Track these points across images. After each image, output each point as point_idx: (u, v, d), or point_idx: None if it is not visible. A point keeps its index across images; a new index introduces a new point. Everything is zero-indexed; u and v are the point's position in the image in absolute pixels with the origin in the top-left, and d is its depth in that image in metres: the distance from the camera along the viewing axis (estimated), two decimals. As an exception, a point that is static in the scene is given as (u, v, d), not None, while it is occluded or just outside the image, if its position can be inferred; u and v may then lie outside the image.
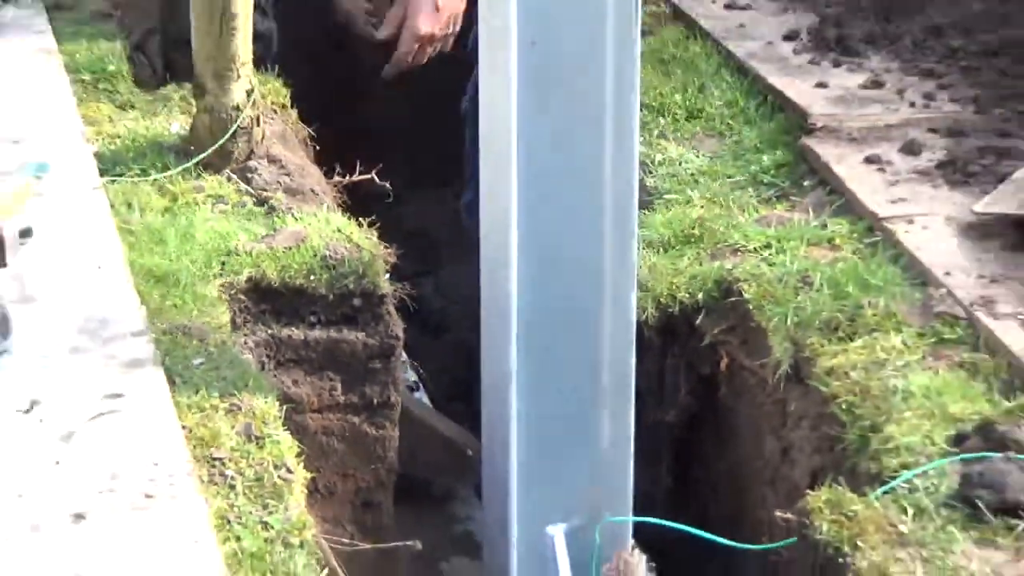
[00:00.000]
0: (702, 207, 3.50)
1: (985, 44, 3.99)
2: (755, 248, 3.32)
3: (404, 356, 3.43)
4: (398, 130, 4.34)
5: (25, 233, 3.14)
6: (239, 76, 3.52)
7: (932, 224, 3.37)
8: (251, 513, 2.53)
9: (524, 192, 2.67)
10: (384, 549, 3.18)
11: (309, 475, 2.78)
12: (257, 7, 3.95)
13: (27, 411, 2.65)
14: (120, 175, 3.42)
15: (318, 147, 4.03)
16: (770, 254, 3.30)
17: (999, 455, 2.64)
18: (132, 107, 3.75)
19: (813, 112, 3.79)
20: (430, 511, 3.46)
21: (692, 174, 3.66)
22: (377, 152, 3.87)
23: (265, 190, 3.50)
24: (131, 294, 3.03)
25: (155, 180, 3.42)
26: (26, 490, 2.37)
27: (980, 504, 2.54)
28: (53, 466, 2.46)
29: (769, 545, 2.73)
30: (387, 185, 3.69)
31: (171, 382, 2.76)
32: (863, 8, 4.05)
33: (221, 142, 3.50)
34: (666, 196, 3.54)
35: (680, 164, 3.70)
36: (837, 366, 2.95)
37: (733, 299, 3.25)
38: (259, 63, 4.11)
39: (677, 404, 3.35)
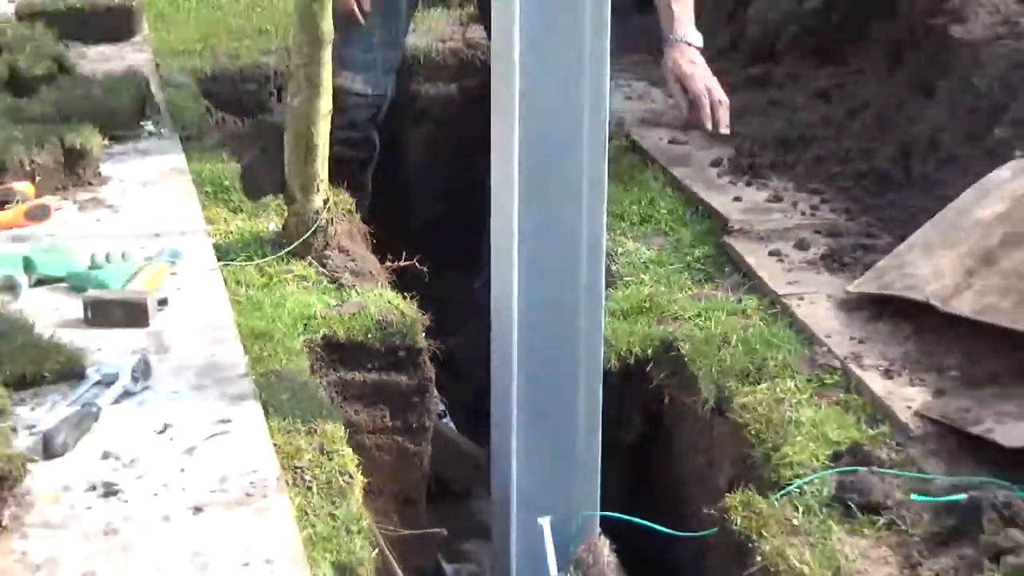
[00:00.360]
0: (651, 287, 3.53)
1: (856, 171, 4.01)
2: (689, 317, 3.37)
3: (435, 393, 3.42)
4: (433, 228, 4.34)
5: (162, 302, 3.17)
6: (318, 190, 3.54)
7: (817, 300, 3.41)
8: (322, 507, 2.58)
9: (523, 278, 2.68)
10: (420, 534, 3.24)
11: (365, 480, 2.81)
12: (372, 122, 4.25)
13: (161, 431, 2.67)
14: (232, 260, 3.45)
15: (375, 240, 4.03)
16: (700, 321, 3.34)
17: (865, 469, 2.66)
18: (241, 211, 3.77)
19: (731, 218, 3.82)
20: (454, 506, 3.51)
21: (644, 262, 3.70)
22: (417, 243, 3.90)
23: (336, 272, 3.53)
24: (238, 347, 3.04)
25: (257, 264, 3.44)
26: (160, 489, 2.42)
27: (851, 505, 2.58)
28: (179, 472, 2.50)
29: (699, 533, 2.79)
30: (424, 269, 3.70)
31: (266, 411, 2.77)
32: (768, 143, 4.07)
33: (304, 237, 3.52)
34: (625, 279, 3.58)
35: (635, 255, 3.73)
36: (748, 403, 2.98)
37: (673, 353, 3.29)
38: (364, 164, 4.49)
39: (633, 429, 3.41)
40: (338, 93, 3.89)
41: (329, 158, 3.75)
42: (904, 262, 3.33)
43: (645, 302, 3.46)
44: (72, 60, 4.63)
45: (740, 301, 3.47)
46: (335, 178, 3.97)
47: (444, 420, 3.49)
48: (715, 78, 4.08)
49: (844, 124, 4.21)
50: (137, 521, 2.38)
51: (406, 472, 3.24)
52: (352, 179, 4.47)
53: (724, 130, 4.08)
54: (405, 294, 3.51)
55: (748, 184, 4.01)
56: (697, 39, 4.10)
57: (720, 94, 4.05)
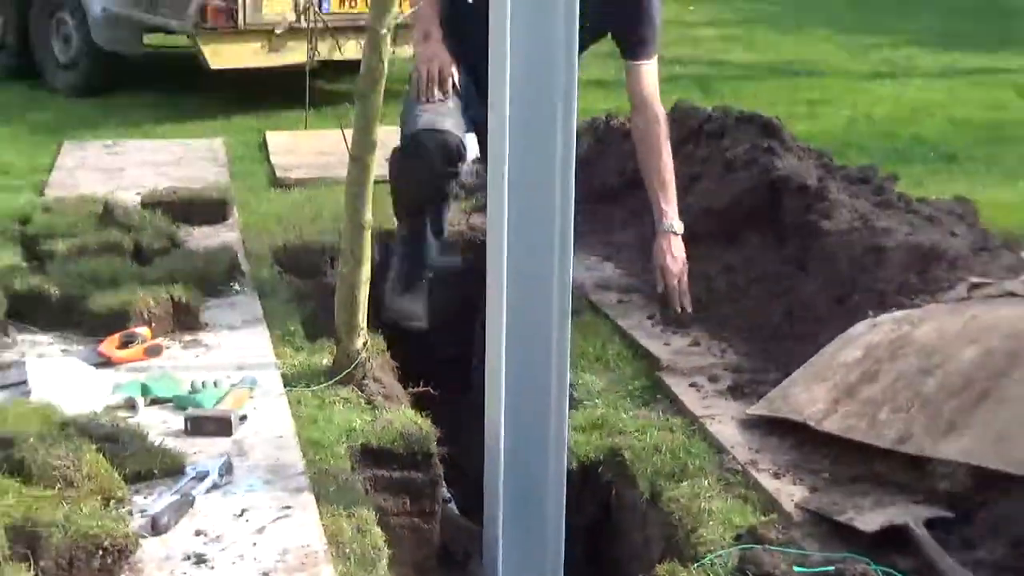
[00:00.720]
0: (602, 409, 3.52)
1: (753, 325, 4.03)
2: (631, 432, 3.34)
3: (443, 485, 3.39)
4: (443, 362, 4.29)
5: (243, 418, 3.16)
6: (359, 335, 3.54)
7: (724, 420, 3.39)
8: (358, 574, 2.54)
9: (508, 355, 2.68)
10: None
11: (390, 552, 2.75)
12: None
13: (239, 515, 2.68)
14: (294, 387, 3.44)
15: (400, 370, 4.02)
16: (638, 435, 3.30)
17: (759, 546, 2.65)
18: (302, 349, 3.78)
19: (662, 358, 3.82)
20: (457, 570, 3.42)
21: (597, 391, 3.69)
22: (432, 370, 3.88)
23: (372, 397, 3.52)
24: (297, 452, 3.03)
25: (313, 390, 3.43)
26: (237, 559, 2.46)
27: (749, 573, 2.56)
28: (252, 546, 2.54)
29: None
30: (435, 392, 3.67)
31: (318, 500, 2.77)
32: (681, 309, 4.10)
33: (348, 370, 3.51)
34: (583, 403, 3.57)
35: (591, 385, 3.72)
36: (673, 496, 2.97)
37: (619, 459, 3.25)
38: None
39: (588, 516, 3.32)
40: (412, 140, 3.93)
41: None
42: (788, 392, 3.35)
43: (598, 420, 3.43)
44: (182, 237, 4.68)
45: (668, 420, 3.44)
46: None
47: (449, 505, 3.44)
48: (687, 266, 4.04)
49: (745, 290, 4.23)
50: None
51: (421, 545, 3.20)
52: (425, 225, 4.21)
53: (684, 308, 4.06)
54: (422, 412, 3.47)
55: (674, 333, 4.02)
56: (679, 227, 4.04)
57: (685, 286, 4.02)
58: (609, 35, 4.09)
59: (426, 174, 3.96)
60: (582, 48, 3.71)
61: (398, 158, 4.06)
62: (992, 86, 8.91)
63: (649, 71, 4.06)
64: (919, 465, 2.91)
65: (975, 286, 3.60)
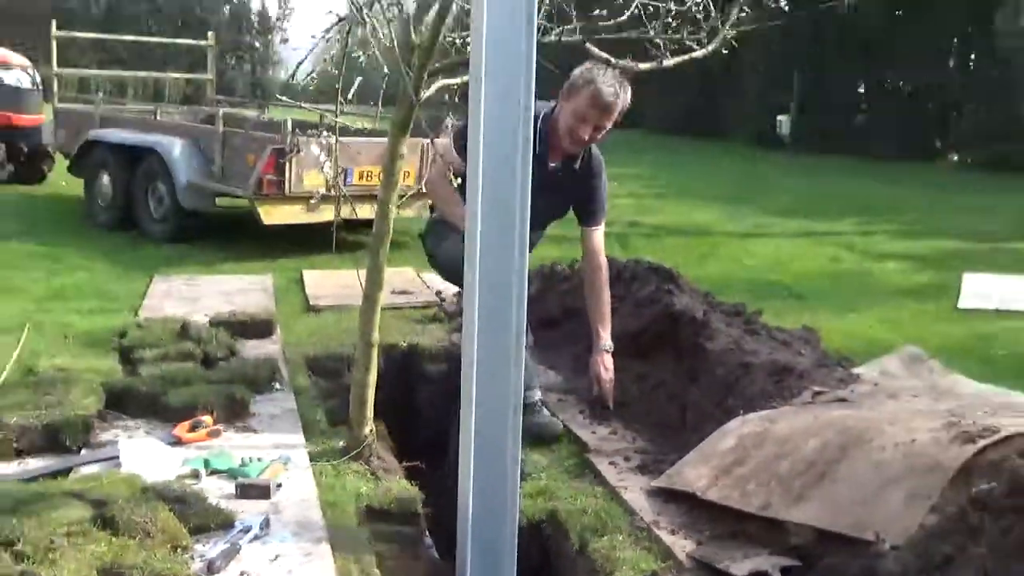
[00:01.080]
0: (545, 481, 3.48)
1: (656, 421, 4.08)
2: (566, 498, 3.29)
3: (427, 535, 3.40)
4: (429, 434, 4.25)
5: (279, 486, 3.13)
6: (367, 424, 3.52)
7: (635, 490, 3.35)
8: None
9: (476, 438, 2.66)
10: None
11: None
12: None
13: (274, 559, 2.67)
14: (317, 462, 3.42)
15: (398, 447, 3.99)
16: (572, 500, 3.25)
17: None
18: (325, 434, 3.79)
19: (590, 444, 3.79)
20: None
21: (542, 467, 3.67)
22: (421, 447, 3.87)
23: (375, 470, 3.49)
24: (319, 511, 3.01)
25: (333, 464, 3.40)
26: None
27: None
28: None
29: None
30: (423, 465, 3.66)
31: (333, 548, 2.74)
32: (606, 407, 4.06)
33: (358, 450, 3.49)
34: (531, 476, 3.55)
35: (536, 464, 3.71)
36: (596, 547, 2.93)
37: (556, 518, 3.20)
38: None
39: (532, 562, 3.19)
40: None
41: None
42: (681, 470, 3.33)
43: (543, 489, 3.39)
44: (238, 348, 4.66)
45: (593, 489, 3.40)
46: None
47: (431, 551, 3.37)
48: (614, 374, 4.09)
49: (651, 394, 4.23)
50: (257, 611, 2.36)
51: (408, 565, 3.14)
52: None
53: (610, 404, 4.08)
54: (412, 481, 3.47)
55: (599, 424, 3.99)
56: (610, 346, 4.09)
57: (612, 388, 4.09)
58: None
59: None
60: (552, 219, 4.20)
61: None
62: (829, 245, 9.06)
63: (598, 233, 4.15)
64: (776, 526, 2.90)
65: (817, 393, 3.63)
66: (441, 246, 4.14)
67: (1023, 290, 6.90)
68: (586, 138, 3.79)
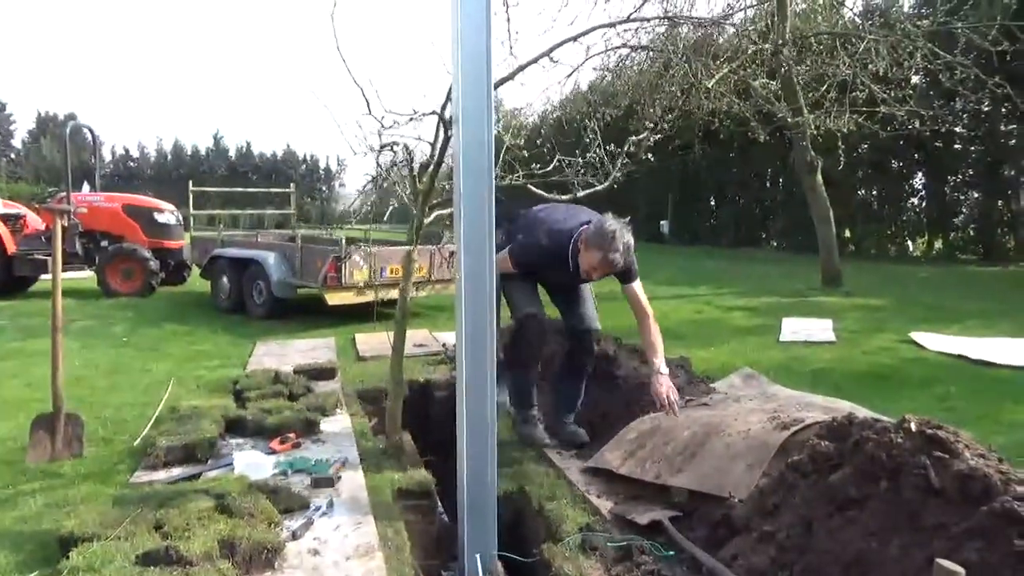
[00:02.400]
0: (518, 466, 3.39)
1: (590, 422, 3.91)
2: (531, 476, 3.21)
3: (438, 503, 3.22)
4: (440, 438, 4.12)
5: (338, 478, 3.08)
6: (398, 433, 3.49)
7: (573, 470, 3.31)
8: (394, 555, 2.44)
9: (468, 440, 2.62)
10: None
11: (411, 543, 2.63)
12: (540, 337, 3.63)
13: (335, 529, 2.62)
14: (364, 460, 3.37)
15: (419, 448, 3.88)
16: (532, 478, 3.21)
17: (590, 533, 2.58)
18: (370, 441, 3.69)
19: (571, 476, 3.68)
20: (445, 552, 3.15)
21: (517, 456, 3.55)
22: (434, 447, 3.72)
23: (403, 465, 3.41)
24: (365, 494, 2.96)
25: (375, 462, 3.35)
26: (334, 551, 2.34)
27: (586, 547, 2.49)
28: (341, 544, 2.40)
29: (530, 559, 2.60)
30: (435, 459, 3.55)
31: (375, 518, 2.69)
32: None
33: (392, 451, 3.44)
34: (507, 463, 3.42)
35: (512, 453, 3.60)
36: (549, 508, 2.91)
37: (524, 490, 3.12)
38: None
39: (509, 518, 3.08)
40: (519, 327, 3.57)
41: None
42: (603, 454, 3.29)
43: (517, 471, 3.31)
44: (312, 387, 4.59)
45: (547, 470, 3.34)
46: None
47: (442, 516, 3.29)
48: (675, 389, 3.44)
49: (583, 407, 4.14)
50: (327, 558, 2.31)
51: (427, 538, 3.04)
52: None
53: (677, 412, 3.34)
54: (428, 470, 3.36)
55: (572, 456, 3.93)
56: (665, 369, 3.45)
57: (675, 395, 3.40)
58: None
59: (531, 346, 3.62)
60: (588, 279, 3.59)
61: (512, 335, 3.64)
62: (696, 303, 9.08)
63: (635, 287, 3.55)
64: (665, 490, 2.89)
65: (688, 400, 3.64)
66: (503, 282, 3.54)
67: (821, 328, 6.96)
68: (598, 277, 3.46)
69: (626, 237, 3.32)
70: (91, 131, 12.09)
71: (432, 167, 2.98)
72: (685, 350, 5.55)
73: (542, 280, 3.70)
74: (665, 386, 3.38)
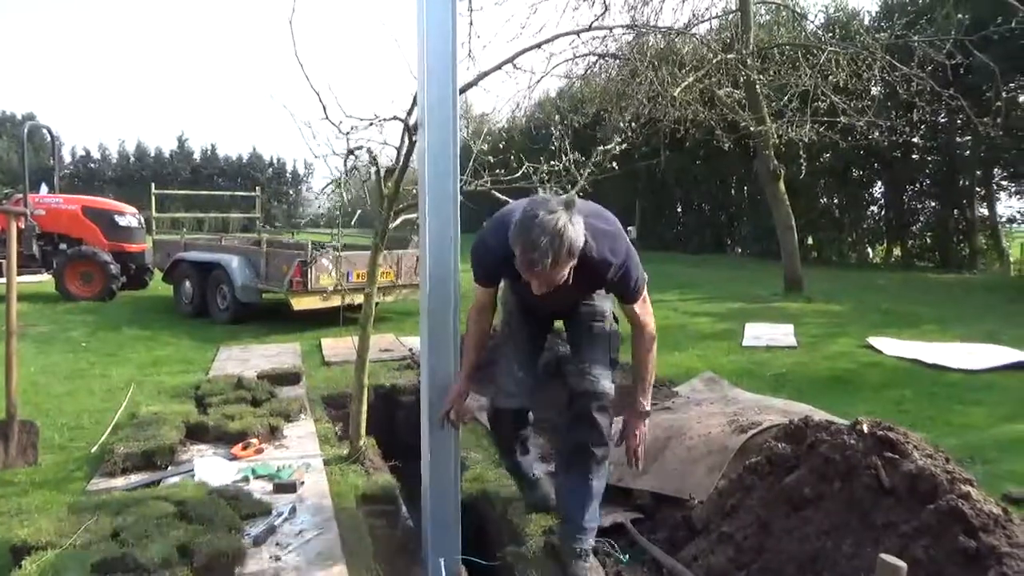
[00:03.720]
0: (478, 471, 3.37)
1: (555, 423, 3.89)
2: (491, 481, 3.18)
3: (403, 509, 3.14)
4: (405, 442, 4.11)
5: (302, 483, 3.07)
6: (362, 438, 3.47)
7: (539, 472, 3.29)
8: (358, 562, 2.42)
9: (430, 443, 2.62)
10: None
11: (374, 548, 2.61)
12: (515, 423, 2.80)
13: (298, 534, 2.55)
14: (328, 465, 3.35)
15: (384, 452, 3.87)
16: (495, 483, 3.18)
17: (554, 535, 2.54)
18: (334, 446, 3.67)
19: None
20: (409, 556, 3.17)
21: (476, 464, 3.54)
22: (399, 451, 3.70)
23: (368, 469, 3.40)
24: (329, 500, 2.95)
25: (339, 467, 3.34)
26: (296, 557, 2.29)
27: (551, 547, 2.46)
28: (303, 549, 2.36)
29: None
30: (400, 464, 3.54)
31: (338, 524, 2.66)
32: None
33: (356, 456, 3.43)
34: (472, 467, 3.43)
35: (475, 459, 3.59)
36: (513, 512, 2.88)
37: (487, 495, 3.11)
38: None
39: (472, 524, 3.01)
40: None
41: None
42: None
43: (477, 476, 3.29)
44: (276, 392, 4.55)
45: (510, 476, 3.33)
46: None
47: (407, 521, 3.24)
48: (645, 439, 2.57)
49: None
50: (289, 563, 2.30)
51: (391, 543, 2.93)
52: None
53: (639, 466, 2.58)
54: (394, 475, 3.37)
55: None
56: (647, 409, 2.56)
57: (642, 453, 2.55)
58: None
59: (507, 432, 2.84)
60: (572, 304, 2.61)
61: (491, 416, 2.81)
62: (662, 308, 9.11)
63: (636, 308, 2.46)
64: (627, 492, 2.92)
65: (652, 404, 3.67)
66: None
67: (782, 333, 7.08)
68: (545, 291, 2.14)
69: (558, 225, 2.01)
70: (50, 131, 11.82)
71: (397, 172, 2.98)
72: (650, 355, 5.60)
73: (531, 306, 2.61)
74: (640, 436, 2.54)
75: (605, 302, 2.63)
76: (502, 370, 2.64)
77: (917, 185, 16.30)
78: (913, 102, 8.93)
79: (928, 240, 16.41)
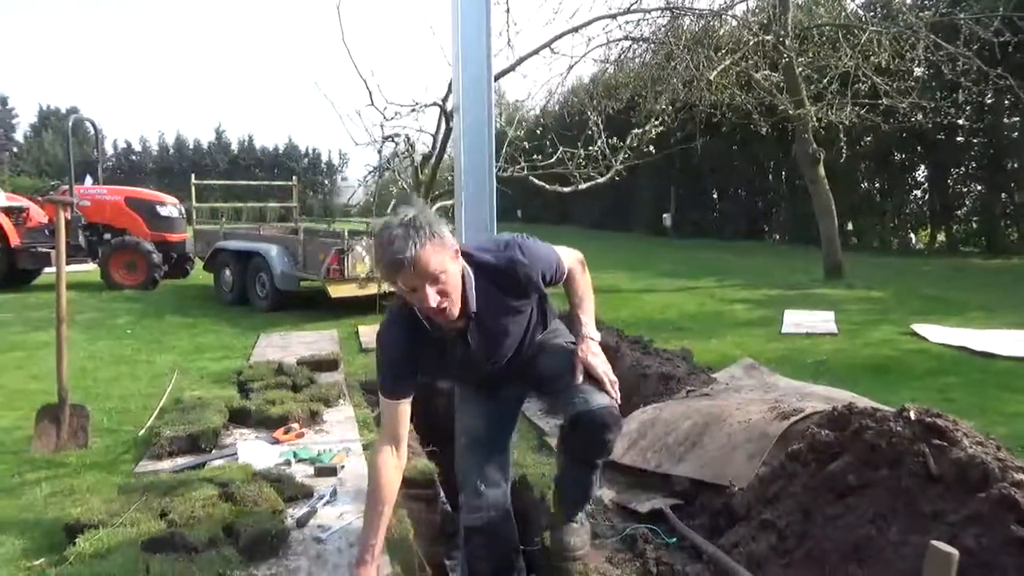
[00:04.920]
0: (515, 456, 3.38)
1: None
2: (530, 466, 3.20)
3: (440, 491, 3.13)
4: (443, 428, 4.13)
5: (342, 467, 3.10)
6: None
7: None
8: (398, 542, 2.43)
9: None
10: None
11: (414, 529, 2.63)
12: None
13: (339, 516, 2.57)
14: (368, 449, 3.37)
15: (421, 438, 3.89)
16: (534, 468, 3.18)
17: (593, 520, 2.55)
18: (373, 431, 3.67)
19: (545, 429, 3.67)
20: (447, 539, 3.19)
21: (512, 448, 3.55)
22: (437, 437, 3.77)
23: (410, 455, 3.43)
24: (369, 483, 2.95)
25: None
26: (339, 539, 2.30)
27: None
28: (346, 531, 2.37)
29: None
30: (438, 449, 3.52)
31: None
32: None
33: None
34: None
35: (513, 444, 3.60)
36: (550, 495, 2.87)
37: (525, 479, 3.11)
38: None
39: (516, 505, 3.10)
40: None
41: None
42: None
43: (515, 461, 3.29)
44: (316, 378, 4.60)
45: (548, 460, 3.33)
46: None
47: (444, 505, 3.29)
48: (609, 364, 2.16)
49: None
50: (331, 545, 2.32)
51: (430, 526, 3.00)
52: None
53: (616, 397, 2.09)
54: (431, 459, 3.38)
55: (550, 417, 3.91)
56: (597, 336, 2.15)
57: (612, 376, 2.12)
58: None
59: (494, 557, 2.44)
60: (518, 343, 2.16)
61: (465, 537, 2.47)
62: (698, 295, 9.08)
63: (566, 278, 2.14)
64: (666, 478, 2.89)
65: (690, 391, 3.65)
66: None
67: (822, 320, 6.96)
68: (434, 306, 1.84)
69: (408, 215, 1.82)
70: (93, 124, 12.10)
71: (434, 158, 2.98)
72: (686, 342, 5.56)
73: (481, 379, 2.30)
74: (594, 354, 2.11)
75: (559, 327, 2.28)
76: (464, 479, 2.35)
77: (962, 168, 15.80)
78: (958, 82, 8.67)
79: (974, 225, 15.94)
